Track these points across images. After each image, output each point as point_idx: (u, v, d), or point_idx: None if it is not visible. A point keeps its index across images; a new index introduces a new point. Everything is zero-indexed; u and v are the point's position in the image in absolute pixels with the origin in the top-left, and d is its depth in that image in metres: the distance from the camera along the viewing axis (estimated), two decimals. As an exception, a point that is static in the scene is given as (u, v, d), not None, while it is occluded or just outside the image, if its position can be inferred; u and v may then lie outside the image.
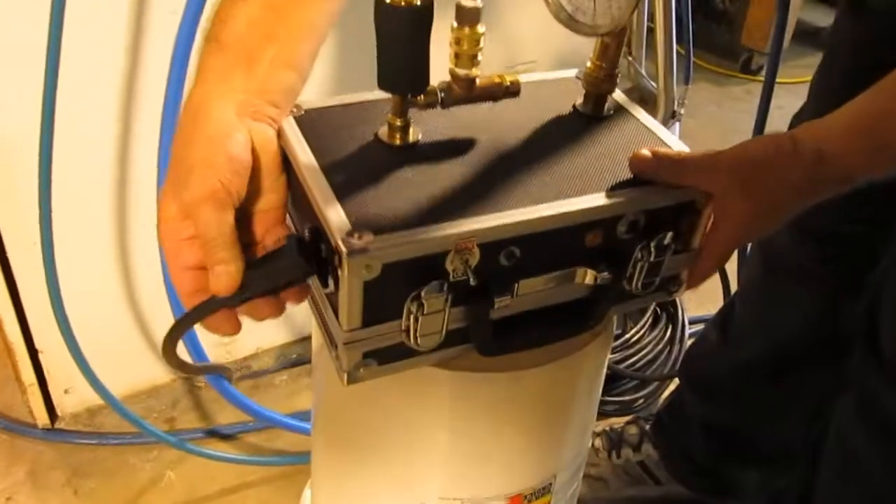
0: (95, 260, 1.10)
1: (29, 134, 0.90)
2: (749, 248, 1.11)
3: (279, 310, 0.54)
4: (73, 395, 1.19)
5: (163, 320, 1.21)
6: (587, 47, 0.64)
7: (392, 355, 0.54)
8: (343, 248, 0.47)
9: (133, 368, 1.25)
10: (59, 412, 1.21)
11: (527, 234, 0.52)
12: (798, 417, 1.02)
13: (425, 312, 0.51)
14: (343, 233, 0.48)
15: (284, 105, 0.55)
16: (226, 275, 0.49)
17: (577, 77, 0.70)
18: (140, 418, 1.11)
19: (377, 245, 0.48)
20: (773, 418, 1.04)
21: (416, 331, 0.52)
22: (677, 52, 1.50)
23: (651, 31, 1.49)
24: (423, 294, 0.50)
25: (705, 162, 0.56)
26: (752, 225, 0.57)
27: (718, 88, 2.48)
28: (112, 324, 1.17)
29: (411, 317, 0.52)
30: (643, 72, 1.55)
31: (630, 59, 1.61)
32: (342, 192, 0.52)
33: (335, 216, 0.50)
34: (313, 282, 0.57)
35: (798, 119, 0.89)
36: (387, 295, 0.51)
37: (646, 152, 0.57)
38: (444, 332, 0.54)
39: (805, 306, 0.95)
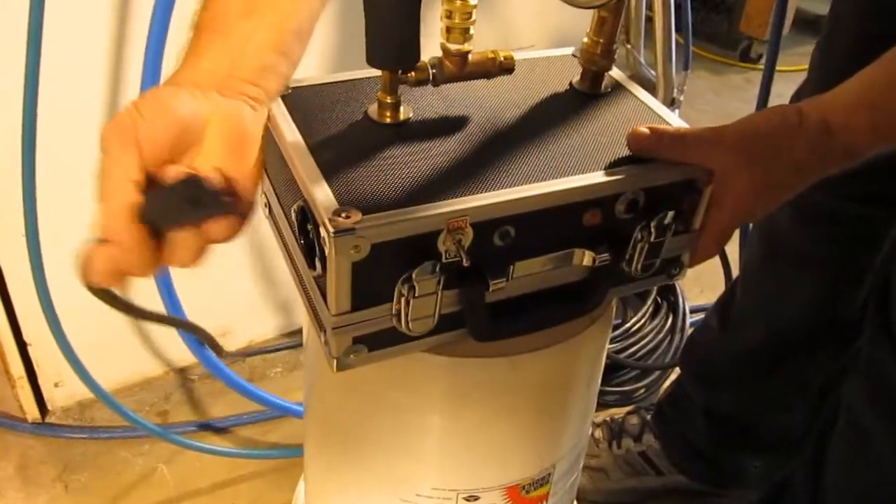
0: (84, 250, 1.08)
1: (10, 121, 0.88)
2: (749, 232, 1.09)
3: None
4: (63, 389, 1.17)
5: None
6: (586, 30, 0.62)
7: (383, 341, 0.52)
8: (330, 228, 0.45)
9: (125, 361, 1.23)
10: (49, 406, 1.18)
11: (522, 212, 0.50)
12: (800, 404, 1.00)
13: (417, 295, 0.49)
14: (330, 212, 0.46)
15: (266, 84, 0.52)
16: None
17: (573, 55, 0.68)
18: (132, 412, 1.08)
19: (365, 224, 0.46)
20: (774, 406, 1.02)
21: (407, 314, 0.50)
22: (676, 41, 1.48)
23: (650, 20, 1.47)
24: (414, 276, 0.48)
25: (707, 137, 0.54)
26: (756, 201, 0.55)
27: (717, 77, 2.45)
28: (103, 315, 1.12)
29: (402, 300, 0.50)
30: (642, 60, 1.54)
31: (629, 46, 1.60)
32: (329, 171, 0.50)
33: (322, 195, 0.48)
34: (302, 266, 0.55)
35: (797, 97, 0.87)
36: (377, 277, 0.49)
37: (644, 129, 0.55)
38: (436, 316, 0.52)
39: (805, 292, 0.94)
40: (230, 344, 1.33)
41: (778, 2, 1.72)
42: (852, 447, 0.71)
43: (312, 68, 0.58)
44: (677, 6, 1.51)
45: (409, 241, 0.48)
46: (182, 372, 1.29)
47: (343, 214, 0.46)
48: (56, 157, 0.97)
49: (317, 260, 0.50)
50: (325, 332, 0.52)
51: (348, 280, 0.48)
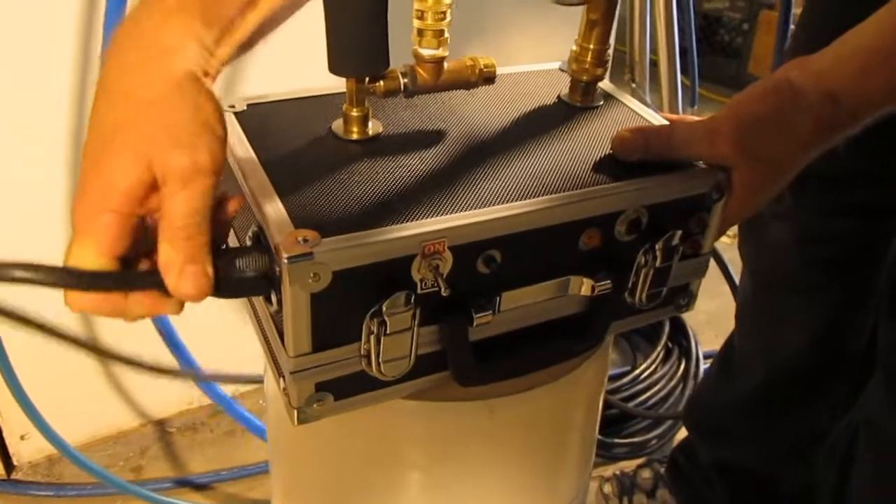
0: (46, 295, 1.01)
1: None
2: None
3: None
4: (30, 442, 1.09)
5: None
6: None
7: (351, 387, 0.45)
8: (283, 252, 0.39)
9: (98, 412, 1.15)
10: (15, 461, 1.11)
11: (509, 234, 0.44)
12: (824, 456, 0.91)
13: (388, 332, 0.43)
14: (284, 234, 0.40)
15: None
16: (199, 275, 0.38)
17: (561, 69, 0.62)
18: (102, 468, 1.01)
19: (325, 248, 0.39)
20: (791, 457, 0.93)
21: (378, 355, 0.43)
22: (682, 83, 1.45)
23: (655, 63, 1.45)
24: (384, 309, 0.42)
25: (700, 131, 0.49)
26: (761, 189, 0.50)
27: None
28: (71, 364, 1.07)
29: (372, 338, 0.43)
30: (647, 99, 1.51)
31: (633, 86, 1.56)
32: (285, 189, 0.44)
33: (275, 215, 0.42)
34: (258, 302, 0.48)
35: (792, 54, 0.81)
36: (341, 311, 0.42)
37: (627, 131, 0.50)
38: (412, 356, 0.45)
39: (805, 323, 0.86)
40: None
41: (778, 42, 1.69)
42: (881, 461, 0.64)
43: (269, 85, 0.52)
44: (683, 50, 1.49)
45: (377, 269, 0.41)
46: (160, 424, 1.22)
47: (299, 238, 0.40)
48: (9, 199, 0.91)
49: (273, 292, 0.43)
50: (283, 377, 0.45)
51: (307, 315, 0.41)
